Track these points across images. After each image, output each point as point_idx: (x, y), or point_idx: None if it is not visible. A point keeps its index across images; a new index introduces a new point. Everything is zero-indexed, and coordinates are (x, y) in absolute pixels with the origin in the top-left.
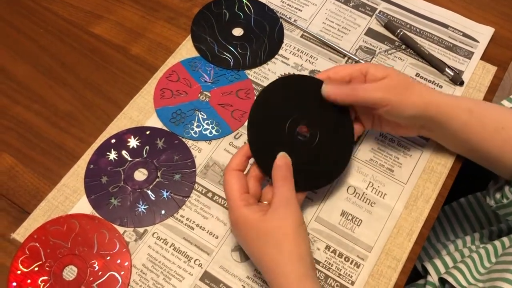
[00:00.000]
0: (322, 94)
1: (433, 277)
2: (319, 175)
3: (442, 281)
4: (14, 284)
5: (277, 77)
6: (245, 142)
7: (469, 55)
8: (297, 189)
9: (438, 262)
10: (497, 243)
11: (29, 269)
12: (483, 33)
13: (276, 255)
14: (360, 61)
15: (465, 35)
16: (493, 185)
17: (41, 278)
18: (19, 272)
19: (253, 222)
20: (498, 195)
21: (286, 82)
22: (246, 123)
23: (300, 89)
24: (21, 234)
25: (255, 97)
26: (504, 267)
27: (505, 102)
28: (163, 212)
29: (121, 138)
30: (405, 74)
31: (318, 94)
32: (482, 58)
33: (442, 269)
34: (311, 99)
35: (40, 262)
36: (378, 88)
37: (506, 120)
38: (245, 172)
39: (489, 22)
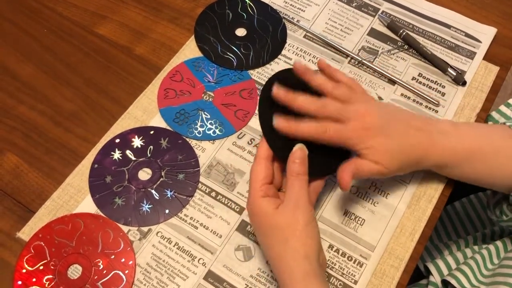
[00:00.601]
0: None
1: (435, 278)
2: (331, 160)
3: (445, 282)
4: (20, 282)
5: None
6: (248, 142)
7: (471, 55)
8: (313, 175)
9: (440, 263)
10: (499, 243)
11: (34, 268)
12: (486, 33)
13: (282, 251)
14: (363, 61)
15: (467, 35)
16: (491, 197)
17: (46, 277)
18: (24, 270)
19: (265, 214)
20: (497, 212)
21: (288, 73)
22: (249, 123)
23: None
24: (26, 233)
25: (260, 90)
26: (507, 271)
27: (494, 114)
28: (167, 211)
29: (125, 138)
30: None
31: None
32: (484, 58)
33: (444, 270)
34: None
35: (45, 261)
36: (374, 172)
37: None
38: None
39: (491, 22)
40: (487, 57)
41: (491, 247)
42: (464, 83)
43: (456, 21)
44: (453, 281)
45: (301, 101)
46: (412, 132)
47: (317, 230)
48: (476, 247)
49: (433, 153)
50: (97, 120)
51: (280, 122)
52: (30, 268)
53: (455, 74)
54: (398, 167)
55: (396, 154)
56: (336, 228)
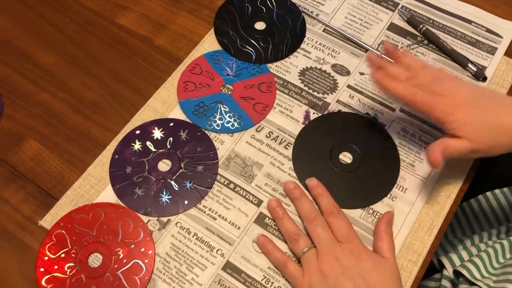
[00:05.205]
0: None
1: (448, 271)
2: (368, 195)
3: (457, 274)
4: (42, 269)
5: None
6: (266, 135)
7: (492, 50)
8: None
9: (454, 256)
10: None
11: (56, 256)
12: (507, 28)
13: None
14: (383, 55)
15: (488, 30)
16: None
17: (67, 265)
18: (46, 258)
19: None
20: None
21: (326, 117)
22: (268, 116)
23: (341, 122)
24: (48, 221)
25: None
26: None
27: None
28: (186, 202)
29: (145, 129)
30: (483, 118)
31: (361, 126)
32: (506, 54)
33: (458, 263)
34: (355, 130)
35: (67, 249)
36: (462, 148)
37: None
38: None
39: None
40: (509, 53)
41: (505, 242)
42: (484, 79)
43: (477, 16)
44: (464, 272)
45: (392, 68)
46: (504, 109)
47: None
48: (490, 242)
49: None
50: (118, 109)
51: (377, 75)
52: (52, 256)
53: (475, 69)
54: (489, 142)
55: (485, 128)
56: (354, 223)
